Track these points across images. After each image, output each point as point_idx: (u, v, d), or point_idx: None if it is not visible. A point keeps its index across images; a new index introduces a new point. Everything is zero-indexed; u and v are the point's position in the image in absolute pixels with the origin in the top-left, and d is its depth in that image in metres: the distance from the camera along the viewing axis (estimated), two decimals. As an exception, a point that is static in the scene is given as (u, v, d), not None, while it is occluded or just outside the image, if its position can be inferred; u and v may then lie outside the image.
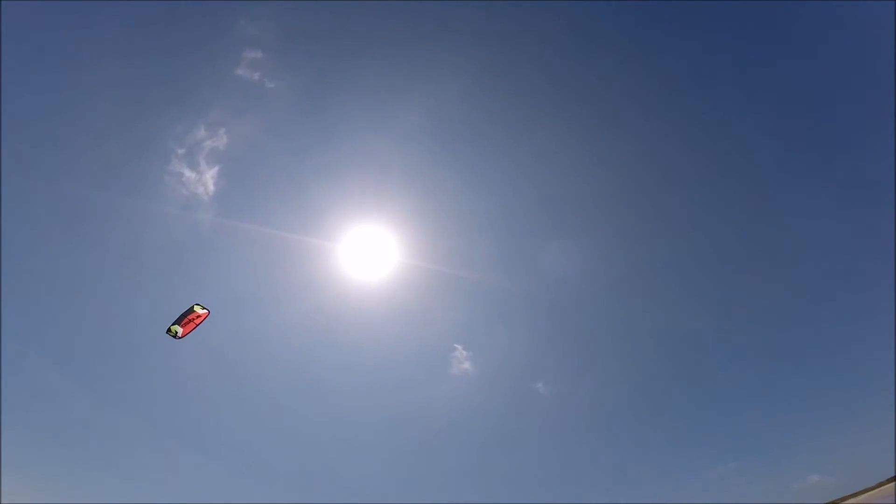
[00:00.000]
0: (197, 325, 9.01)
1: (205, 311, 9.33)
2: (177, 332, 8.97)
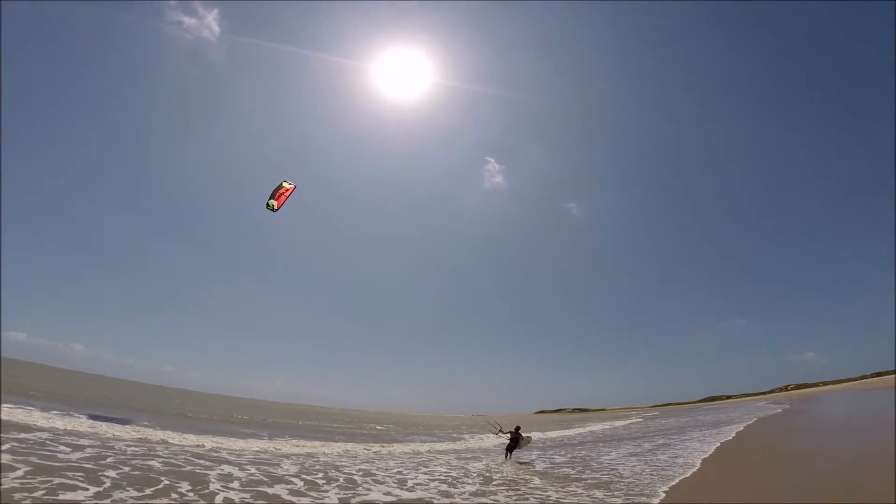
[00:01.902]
0: (287, 198, 10.18)
1: (292, 185, 10.29)
2: (273, 206, 10.00)
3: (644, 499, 9.34)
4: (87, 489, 7.43)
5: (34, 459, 8.92)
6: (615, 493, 10.05)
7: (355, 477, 11.54)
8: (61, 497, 6.74)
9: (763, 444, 18.30)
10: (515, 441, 16.91)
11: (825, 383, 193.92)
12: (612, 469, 13.70)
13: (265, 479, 10.11)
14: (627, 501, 9.16)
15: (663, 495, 9.59)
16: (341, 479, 11.03)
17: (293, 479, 10.51)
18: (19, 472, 7.77)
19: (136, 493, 7.47)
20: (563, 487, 10.84)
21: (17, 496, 6.52)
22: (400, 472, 12.66)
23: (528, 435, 17.96)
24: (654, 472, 12.45)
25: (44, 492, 6.85)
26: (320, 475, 11.40)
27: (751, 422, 29.79)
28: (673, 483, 10.94)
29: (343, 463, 13.90)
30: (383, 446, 20.20)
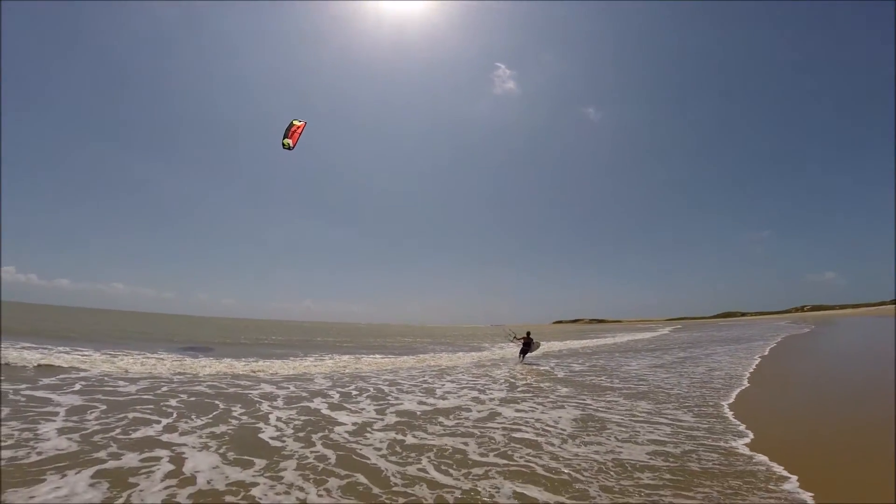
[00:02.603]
0: (300, 134, 10.72)
1: (302, 122, 11.00)
2: (288, 144, 10.66)
3: (711, 409, 9.06)
4: (160, 420, 7.80)
5: (101, 397, 9.56)
6: (665, 404, 9.62)
7: (384, 387, 12.10)
8: (139, 434, 6.94)
9: (808, 362, 18.01)
10: (528, 345, 19.97)
11: (842, 307, 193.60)
12: (640, 379, 13.74)
13: (304, 395, 10.71)
14: (693, 412, 8.73)
15: (726, 406, 9.25)
16: (371, 390, 11.63)
17: (329, 392, 11.15)
18: (96, 412, 8.17)
19: (200, 422, 7.84)
20: (599, 396, 10.72)
21: (98, 438, 6.62)
22: (426, 381, 13.28)
23: (538, 341, 20.69)
24: (700, 385, 12.08)
25: (120, 430, 7.12)
26: (352, 387, 12.06)
27: (779, 340, 30.01)
28: (736, 392, 10.72)
29: (371, 375, 14.59)
30: (419, 358, 20.69)
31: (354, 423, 8.10)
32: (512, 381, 13.81)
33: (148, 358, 16.70)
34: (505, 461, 6.06)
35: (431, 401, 10.44)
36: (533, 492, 5.04)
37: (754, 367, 16.00)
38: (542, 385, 12.90)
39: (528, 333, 20.49)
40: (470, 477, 5.48)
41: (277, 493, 4.89)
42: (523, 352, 20.04)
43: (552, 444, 6.81)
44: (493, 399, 10.69)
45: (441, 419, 8.55)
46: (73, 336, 25.85)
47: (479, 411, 9.26)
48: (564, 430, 7.67)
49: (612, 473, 5.53)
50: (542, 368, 17.20)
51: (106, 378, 12.08)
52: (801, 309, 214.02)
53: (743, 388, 11.64)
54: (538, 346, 20.74)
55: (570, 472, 5.57)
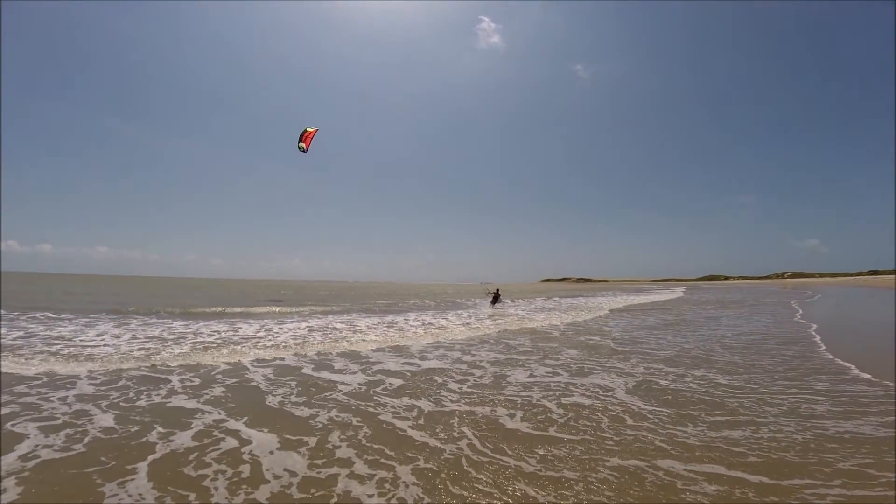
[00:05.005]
0: (312, 138, 12.09)
1: (314, 129, 12.10)
2: (303, 148, 11.96)
3: (848, 375, 7.42)
4: (170, 381, 7.22)
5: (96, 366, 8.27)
6: (737, 375, 7.73)
7: (362, 351, 10.73)
8: (147, 402, 5.99)
9: (868, 326, 16.04)
10: (496, 298, 28.69)
11: (822, 275, 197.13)
12: (637, 342, 12.43)
13: (280, 355, 9.75)
14: (827, 380, 7.12)
15: (856, 370, 7.77)
16: (348, 352, 10.38)
17: (311, 355, 10.00)
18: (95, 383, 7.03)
19: (199, 382, 7.21)
20: (623, 360, 9.25)
21: (108, 406, 5.73)
22: (403, 345, 11.73)
23: (503, 297, 29.87)
24: (753, 351, 10.26)
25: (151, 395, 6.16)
26: (325, 345, 11.01)
27: (798, 303, 29.27)
28: (835, 359, 8.94)
29: (346, 336, 13.17)
30: (398, 317, 18.18)
31: (359, 385, 7.10)
32: (491, 341, 12.47)
33: (122, 323, 15.26)
34: (594, 437, 4.65)
35: (415, 361, 9.18)
36: (741, 473, 3.78)
37: (814, 331, 13.73)
38: (547, 347, 11.33)
39: (497, 290, 30.47)
40: (558, 463, 4.02)
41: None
42: (493, 302, 28.12)
43: (646, 419, 5.28)
44: (481, 359, 9.41)
45: (439, 380, 7.40)
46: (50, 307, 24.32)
47: (479, 375, 7.91)
48: (633, 402, 6.09)
49: (847, 453, 4.19)
50: (526, 324, 16.06)
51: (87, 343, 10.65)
52: (782, 276, 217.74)
53: (823, 350, 10.17)
54: (501, 300, 29.43)
55: (759, 452, 4.24)
